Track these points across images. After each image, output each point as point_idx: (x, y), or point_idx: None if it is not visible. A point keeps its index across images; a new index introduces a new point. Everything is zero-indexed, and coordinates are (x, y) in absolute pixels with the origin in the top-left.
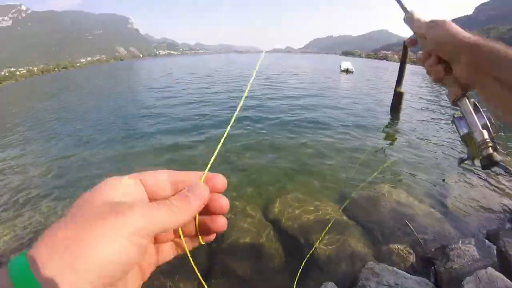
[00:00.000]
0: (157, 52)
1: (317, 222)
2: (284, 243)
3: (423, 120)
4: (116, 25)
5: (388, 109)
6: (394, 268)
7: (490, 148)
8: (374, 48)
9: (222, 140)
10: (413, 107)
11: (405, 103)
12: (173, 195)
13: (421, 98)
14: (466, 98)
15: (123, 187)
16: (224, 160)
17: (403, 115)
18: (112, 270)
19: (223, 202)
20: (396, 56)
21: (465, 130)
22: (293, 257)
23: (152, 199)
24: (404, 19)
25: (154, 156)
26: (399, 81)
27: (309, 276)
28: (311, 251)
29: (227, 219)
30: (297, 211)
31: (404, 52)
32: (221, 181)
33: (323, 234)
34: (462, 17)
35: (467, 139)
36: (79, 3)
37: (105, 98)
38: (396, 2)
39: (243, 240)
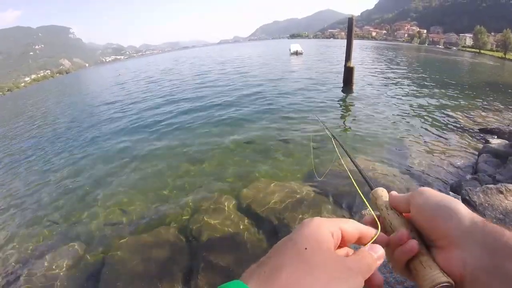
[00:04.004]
0: (103, 59)
1: (288, 201)
2: (260, 228)
3: (374, 91)
4: (57, 37)
5: (341, 84)
6: None
7: None
8: (321, 28)
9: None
10: (364, 80)
11: (356, 77)
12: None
13: (370, 69)
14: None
15: (328, 234)
16: (189, 156)
17: (355, 88)
18: None
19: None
20: (343, 33)
21: None
22: (272, 240)
23: (341, 244)
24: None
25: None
26: (348, 57)
27: None
28: (288, 231)
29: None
30: (267, 195)
31: (349, 28)
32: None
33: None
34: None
35: None
36: (15, 18)
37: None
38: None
39: (221, 233)
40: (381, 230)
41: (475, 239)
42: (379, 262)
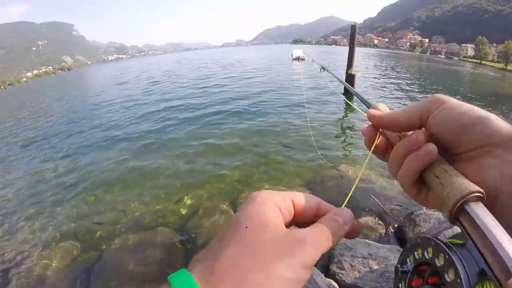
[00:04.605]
0: (106, 58)
1: None
2: None
3: (375, 98)
4: (60, 34)
5: (342, 91)
6: (366, 240)
7: None
8: (323, 34)
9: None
10: (365, 87)
11: (357, 84)
12: (315, 220)
13: (372, 77)
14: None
15: (275, 208)
16: (186, 157)
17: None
18: None
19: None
20: (345, 40)
21: (477, 269)
22: None
23: (294, 220)
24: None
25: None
26: (349, 64)
27: None
28: None
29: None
30: None
31: (352, 35)
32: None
33: None
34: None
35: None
36: (20, 14)
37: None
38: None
39: None
40: (386, 144)
41: None
42: (347, 227)
